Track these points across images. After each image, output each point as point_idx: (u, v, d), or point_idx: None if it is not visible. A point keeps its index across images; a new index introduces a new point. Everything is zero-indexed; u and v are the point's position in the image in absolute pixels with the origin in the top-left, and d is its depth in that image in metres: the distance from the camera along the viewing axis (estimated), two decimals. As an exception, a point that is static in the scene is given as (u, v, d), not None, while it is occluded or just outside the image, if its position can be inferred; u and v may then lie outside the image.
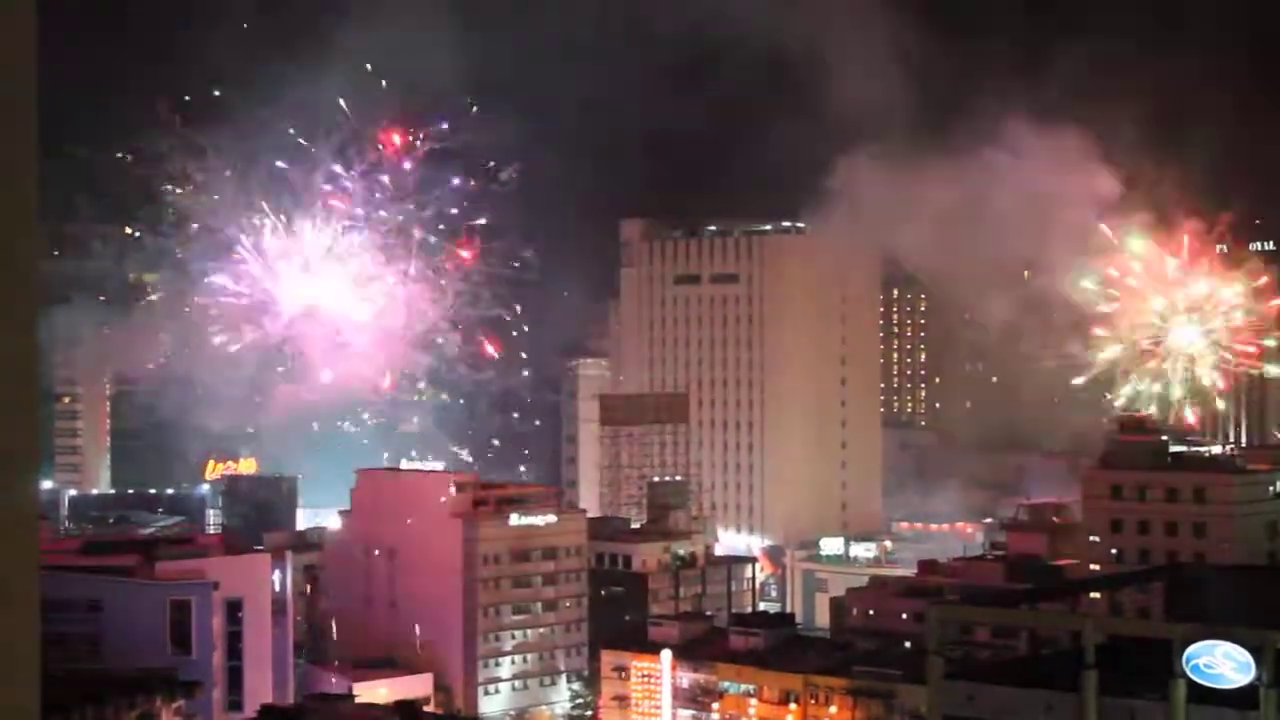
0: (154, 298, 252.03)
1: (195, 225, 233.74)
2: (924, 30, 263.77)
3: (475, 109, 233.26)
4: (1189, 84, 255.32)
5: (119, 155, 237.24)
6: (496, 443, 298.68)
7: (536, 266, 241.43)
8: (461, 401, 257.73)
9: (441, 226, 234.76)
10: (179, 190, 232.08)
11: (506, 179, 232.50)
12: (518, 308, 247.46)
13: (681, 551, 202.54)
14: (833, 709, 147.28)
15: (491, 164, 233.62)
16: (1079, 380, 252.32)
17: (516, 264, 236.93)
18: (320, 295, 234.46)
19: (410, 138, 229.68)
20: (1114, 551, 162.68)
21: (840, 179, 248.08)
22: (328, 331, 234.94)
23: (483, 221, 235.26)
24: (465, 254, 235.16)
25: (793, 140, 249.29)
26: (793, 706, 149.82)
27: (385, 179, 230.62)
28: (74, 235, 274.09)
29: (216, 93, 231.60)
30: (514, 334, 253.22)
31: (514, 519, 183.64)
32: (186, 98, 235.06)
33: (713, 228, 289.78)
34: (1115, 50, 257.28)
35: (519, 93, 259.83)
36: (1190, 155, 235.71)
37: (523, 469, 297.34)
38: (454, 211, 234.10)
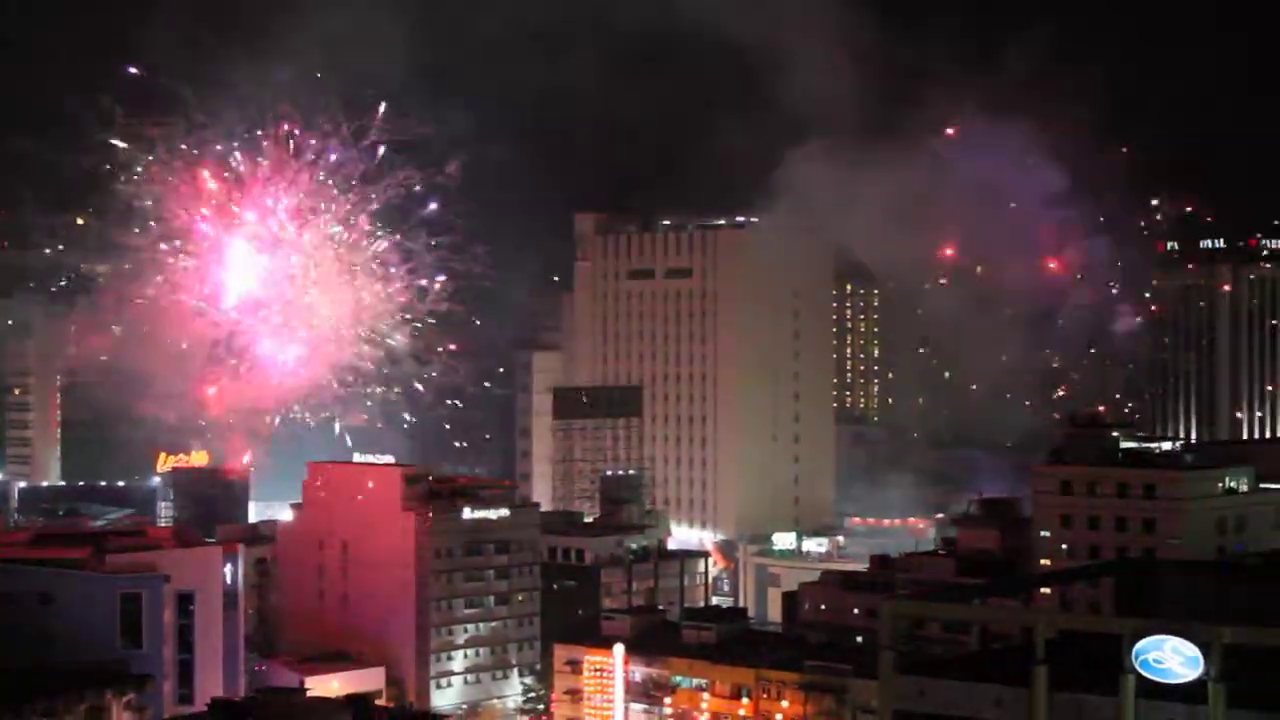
0: (101, 281, 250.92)
1: (143, 215, 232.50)
2: (874, 25, 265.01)
3: (425, 100, 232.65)
4: (1139, 80, 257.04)
5: (61, 147, 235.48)
6: (448, 436, 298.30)
7: (488, 260, 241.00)
8: (412, 393, 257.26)
9: (391, 222, 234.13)
10: (126, 181, 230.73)
11: (453, 172, 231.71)
12: (468, 302, 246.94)
13: (634, 545, 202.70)
14: (784, 703, 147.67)
15: (440, 156, 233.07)
16: None
17: (468, 257, 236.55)
18: (268, 288, 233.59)
19: (357, 128, 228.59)
20: (1064, 547, 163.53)
21: (790, 173, 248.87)
22: (275, 325, 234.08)
23: (432, 213, 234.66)
24: (414, 247, 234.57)
25: (745, 135, 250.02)
26: (745, 701, 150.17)
27: (328, 174, 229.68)
28: (17, 227, 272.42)
29: (161, 83, 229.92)
30: (465, 327, 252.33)
31: (466, 512, 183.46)
32: (130, 88, 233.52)
33: (666, 222, 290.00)
34: (1066, 45, 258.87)
35: (471, 85, 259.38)
36: (1139, 150, 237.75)
37: (475, 463, 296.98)
38: (402, 204, 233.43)
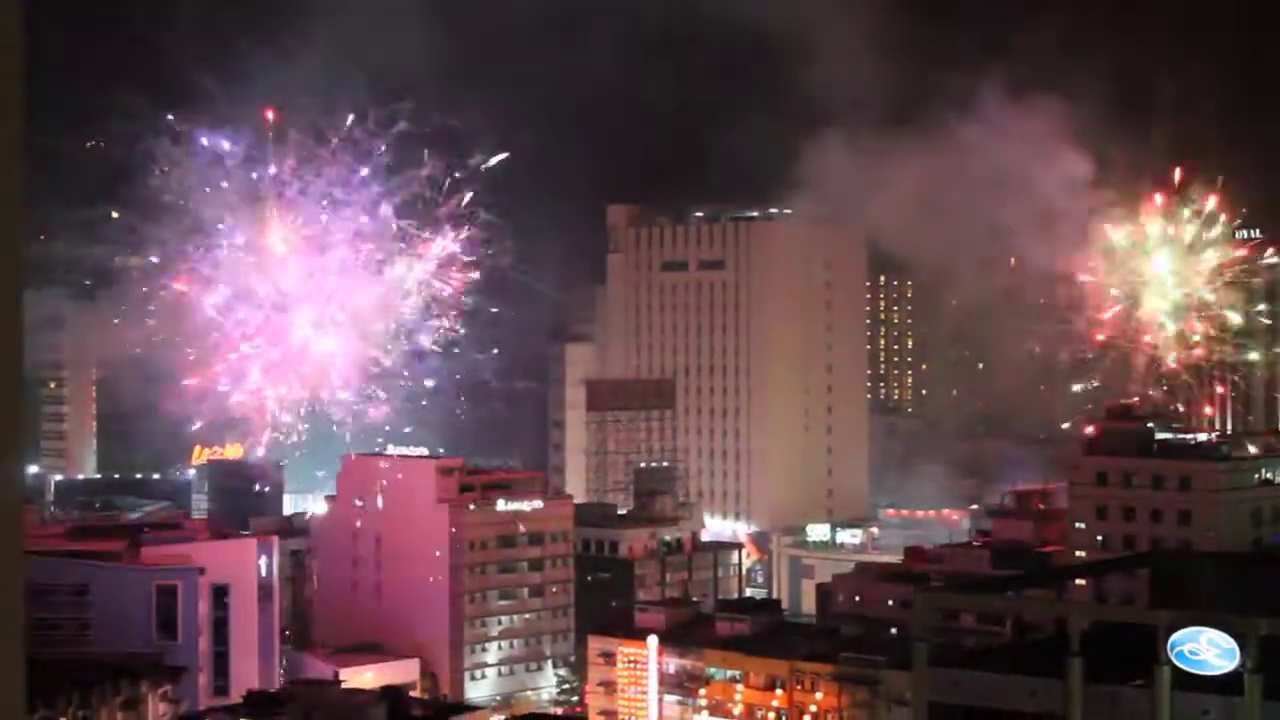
0: (135, 275, 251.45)
1: (170, 209, 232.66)
2: (897, 10, 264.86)
3: (449, 91, 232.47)
4: (1171, 61, 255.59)
5: (86, 142, 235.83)
6: (480, 429, 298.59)
7: (520, 252, 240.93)
8: (443, 386, 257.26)
9: (417, 214, 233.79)
10: (157, 174, 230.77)
11: (475, 164, 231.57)
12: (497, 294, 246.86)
13: (668, 537, 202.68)
14: (818, 695, 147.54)
15: (465, 147, 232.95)
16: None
17: (498, 250, 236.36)
18: (295, 280, 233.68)
19: (383, 116, 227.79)
20: (1099, 538, 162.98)
21: (815, 163, 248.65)
22: (303, 317, 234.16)
23: (465, 205, 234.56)
24: (444, 241, 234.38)
25: (775, 125, 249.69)
26: (779, 692, 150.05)
27: (361, 165, 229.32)
28: (46, 221, 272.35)
29: (186, 76, 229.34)
30: (495, 322, 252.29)
31: (500, 504, 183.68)
32: (154, 81, 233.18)
33: (699, 214, 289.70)
34: (1092, 27, 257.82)
35: (492, 76, 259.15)
36: (1167, 137, 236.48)
37: (508, 456, 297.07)
38: (429, 196, 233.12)
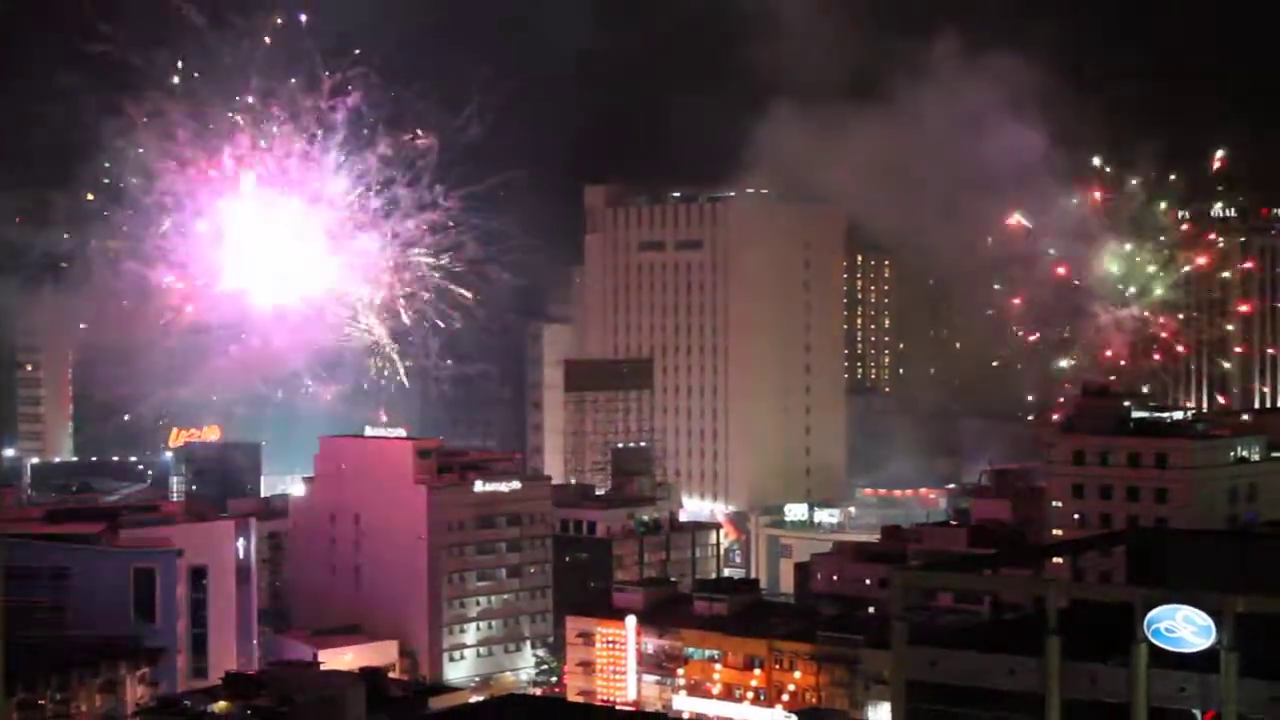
0: (111, 256, 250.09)
1: (130, 190, 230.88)
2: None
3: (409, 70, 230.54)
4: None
5: (38, 124, 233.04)
6: (458, 410, 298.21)
7: (487, 231, 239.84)
8: (421, 368, 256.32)
9: (381, 193, 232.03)
10: (112, 155, 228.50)
11: (427, 142, 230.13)
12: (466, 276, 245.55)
13: (646, 518, 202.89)
14: (797, 674, 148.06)
15: (416, 131, 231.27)
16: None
17: (465, 229, 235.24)
18: (260, 265, 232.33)
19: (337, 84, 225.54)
20: (1076, 516, 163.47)
21: (779, 138, 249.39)
22: (270, 301, 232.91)
23: (428, 184, 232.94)
24: (404, 227, 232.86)
25: (739, 102, 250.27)
26: (757, 671, 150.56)
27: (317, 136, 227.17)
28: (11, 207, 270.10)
29: (134, 54, 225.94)
30: (474, 298, 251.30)
31: (478, 485, 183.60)
32: (103, 62, 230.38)
33: (677, 194, 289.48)
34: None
35: (461, 51, 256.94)
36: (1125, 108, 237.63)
37: (486, 437, 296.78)
38: (394, 174, 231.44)
